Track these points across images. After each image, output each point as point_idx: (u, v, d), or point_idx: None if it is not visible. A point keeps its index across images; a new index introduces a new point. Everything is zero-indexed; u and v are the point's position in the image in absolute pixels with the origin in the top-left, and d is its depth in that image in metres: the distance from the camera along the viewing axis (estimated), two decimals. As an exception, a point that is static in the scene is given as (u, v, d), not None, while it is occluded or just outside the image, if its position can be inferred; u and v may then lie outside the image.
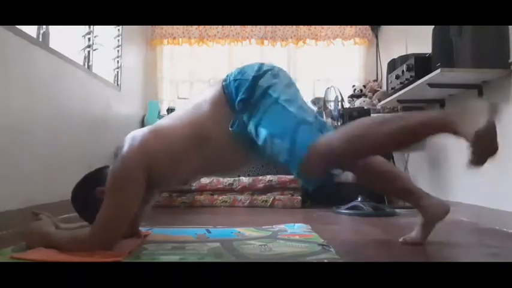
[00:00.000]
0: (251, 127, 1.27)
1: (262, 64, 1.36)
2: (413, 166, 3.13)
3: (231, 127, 1.29)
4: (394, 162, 3.21)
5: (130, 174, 1.24)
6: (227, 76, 1.37)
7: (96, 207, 1.29)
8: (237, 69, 1.37)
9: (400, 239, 1.51)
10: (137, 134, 1.32)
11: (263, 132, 1.24)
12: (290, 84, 1.37)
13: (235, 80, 1.32)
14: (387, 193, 2.42)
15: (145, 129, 1.35)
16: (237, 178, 3.10)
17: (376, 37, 4.16)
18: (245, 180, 3.09)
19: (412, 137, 1.23)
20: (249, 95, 1.28)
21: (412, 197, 1.49)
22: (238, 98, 1.28)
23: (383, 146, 1.26)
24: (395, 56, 2.90)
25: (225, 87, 1.33)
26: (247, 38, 4.20)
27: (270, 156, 1.29)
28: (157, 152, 1.28)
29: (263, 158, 1.41)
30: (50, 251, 1.22)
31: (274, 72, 1.34)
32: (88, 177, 1.40)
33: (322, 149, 1.19)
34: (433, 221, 1.47)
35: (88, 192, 1.33)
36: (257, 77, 1.30)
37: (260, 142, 1.27)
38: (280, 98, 1.27)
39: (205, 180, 3.04)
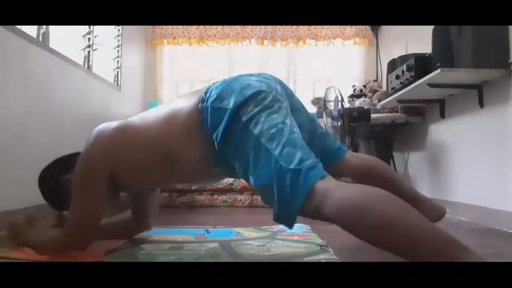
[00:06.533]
0: (238, 170, 1.11)
1: (246, 86, 1.13)
2: (413, 166, 3.13)
3: (215, 166, 1.18)
4: (394, 162, 3.22)
5: (90, 173, 1.20)
6: (205, 94, 1.17)
7: (62, 195, 1.27)
8: (216, 88, 1.17)
9: None
10: (105, 129, 1.25)
11: (251, 181, 1.05)
12: (277, 107, 1.11)
13: (212, 107, 1.12)
14: None
15: (113, 125, 1.26)
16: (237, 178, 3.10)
17: (376, 37, 4.16)
18: (245, 180, 3.09)
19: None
20: (227, 130, 1.08)
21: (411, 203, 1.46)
22: (218, 137, 1.09)
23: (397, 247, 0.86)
24: (396, 56, 2.90)
25: (201, 111, 1.14)
26: (247, 38, 4.20)
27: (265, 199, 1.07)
28: (120, 153, 1.21)
29: (234, 177, 1.27)
30: (30, 250, 1.23)
31: (259, 98, 1.10)
32: (56, 163, 1.36)
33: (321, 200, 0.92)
34: None
35: (54, 179, 1.30)
36: (236, 110, 1.08)
37: (252, 186, 1.11)
38: (263, 136, 1.03)
39: (205, 180, 3.04)
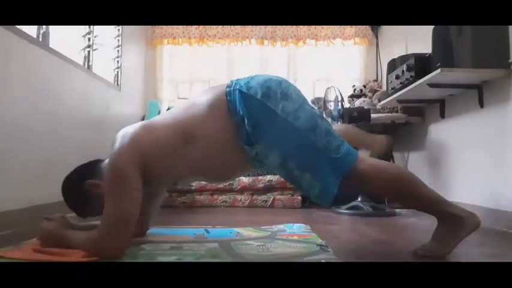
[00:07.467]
0: (265, 150, 1.26)
1: (269, 79, 1.32)
2: (414, 166, 3.13)
3: (245, 144, 1.27)
4: (393, 162, 3.21)
5: (125, 171, 1.20)
6: (231, 82, 1.33)
7: (87, 201, 1.29)
8: (242, 79, 1.33)
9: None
10: (128, 130, 1.30)
11: (290, 165, 1.26)
12: (300, 98, 1.33)
13: (241, 92, 1.27)
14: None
15: (137, 125, 1.32)
16: (236, 178, 3.10)
17: (376, 37, 4.16)
18: (245, 180, 3.09)
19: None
20: (258, 114, 1.25)
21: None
22: (248, 120, 1.24)
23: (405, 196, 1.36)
24: (396, 56, 2.90)
25: (228, 94, 1.29)
26: (247, 38, 4.20)
27: (291, 182, 1.34)
28: (148, 147, 1.25)
29: (259, 166, 1.38)
30: (28, 249, 1.23)
31: (283, 90, 1.29)
32: (78, 170, 1.36)
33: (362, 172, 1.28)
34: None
35: (78, 186, 1.30)
36: (265, 96, 1.26)
37: (279, 170, 1.31)
38: (297, 123, 1.25)
39: (205, 180, 3.04)
